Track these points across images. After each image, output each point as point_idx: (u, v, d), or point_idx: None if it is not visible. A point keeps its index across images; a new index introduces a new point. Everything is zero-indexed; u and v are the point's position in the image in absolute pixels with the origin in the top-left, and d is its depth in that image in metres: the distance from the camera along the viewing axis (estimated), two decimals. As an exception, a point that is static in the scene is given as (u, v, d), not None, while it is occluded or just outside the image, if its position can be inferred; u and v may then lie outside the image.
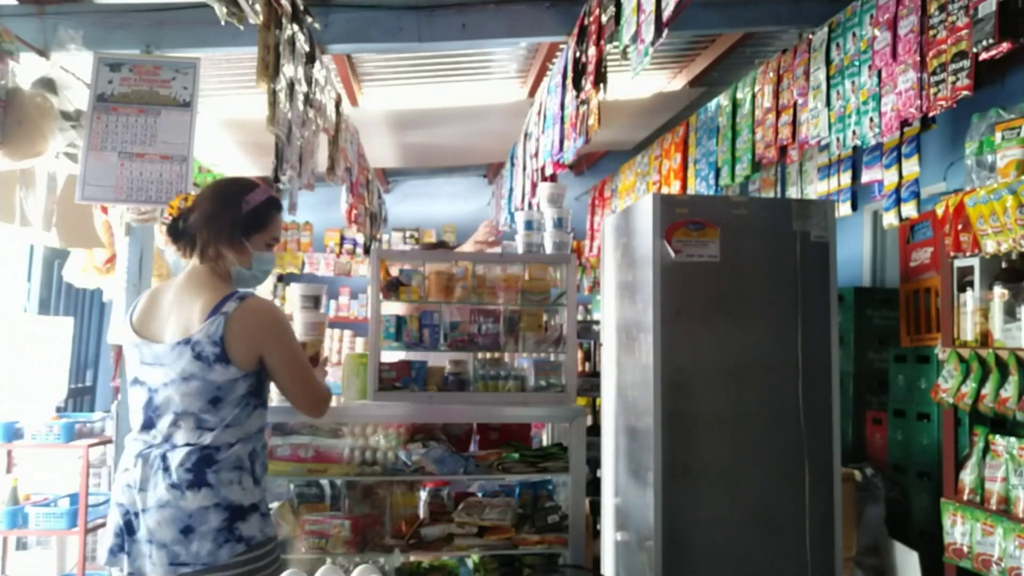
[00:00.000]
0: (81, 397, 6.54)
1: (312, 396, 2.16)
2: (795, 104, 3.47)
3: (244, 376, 1.97)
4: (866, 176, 3.54)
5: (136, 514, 1.91)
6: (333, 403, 2.95)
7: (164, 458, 1.91)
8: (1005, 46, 2.27)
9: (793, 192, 4.48)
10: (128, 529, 1.92)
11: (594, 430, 3.52)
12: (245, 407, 1.98)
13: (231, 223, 2.04)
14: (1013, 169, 2.72)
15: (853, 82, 3.05)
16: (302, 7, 3.11)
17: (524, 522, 2.76)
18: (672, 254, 2.65)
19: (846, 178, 3.94)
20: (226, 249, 2.03)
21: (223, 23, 2.49)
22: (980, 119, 2.95)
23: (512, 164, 6.02)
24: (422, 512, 2.85)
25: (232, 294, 2.01)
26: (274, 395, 2.89)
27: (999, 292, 2.87)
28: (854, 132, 3.04)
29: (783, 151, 3.67)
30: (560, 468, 2.73)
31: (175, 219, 2.07)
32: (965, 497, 2.94)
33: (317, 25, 3.33)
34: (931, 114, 2.66)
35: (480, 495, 2.97)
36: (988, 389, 2.80)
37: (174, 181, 2.74)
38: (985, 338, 2.91)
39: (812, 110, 3.31)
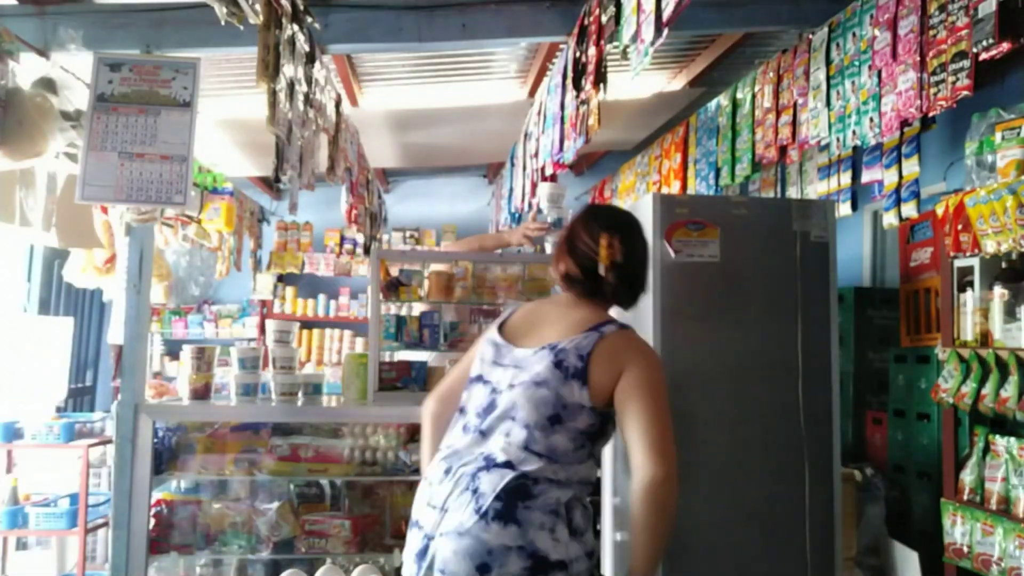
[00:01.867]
0: (81, 397, 6.55)
1: (669, 448, 1.72)
2: (795, 104, 3.47)
3: (591, 410, 1.75)
4: (866, 176, 3.54)
5: (432, 537, 1.69)
6: (333, 403, 2.97)
7: (475, 476, 1.69)
8: (1005, 46, 2.27)
9: (793, 192, 4.47)
10: (426, 553, 1.69)
11: (594, 430, 3.52)
12: (577, 448, 1.75)
13: (646, 261, 1.99)
14: (1013, 169, 2.72)
15: (853, 82, 3.05)
16: (302, 7, 3.11)
17: (524, 522, 2.76)
18: (672, 254, 2.65)
19: (846, 178, 3.94)
20: (637, 288, 1.96)
21: (223, 23, 2.49)
22: (980, 119, 2.95)
23: (512, 164, 6.02)
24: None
25: (610, 321, 1.86)
26: (273, 394, 2.90)
27: (999, 292, 2.87)
28: (854, 132, 3.04)
29: (783, 151, 3.67)
30: (560, 468, 2.73)
31: (614, 263, 1.87)
32: (965, 497, 2.94)
33: (317, 25, 3.33)
34: (931, 114, 2.66)
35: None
36: (988, 389, 2.80)
37: (174, 181, 2.74)
38: (985, 338, 2.91)
39: (812, 110, 3.31)
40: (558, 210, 3.27)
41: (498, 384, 1.81)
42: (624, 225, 1.94)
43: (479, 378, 1.87)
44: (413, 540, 1.74)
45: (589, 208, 2.05)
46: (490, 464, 1.70)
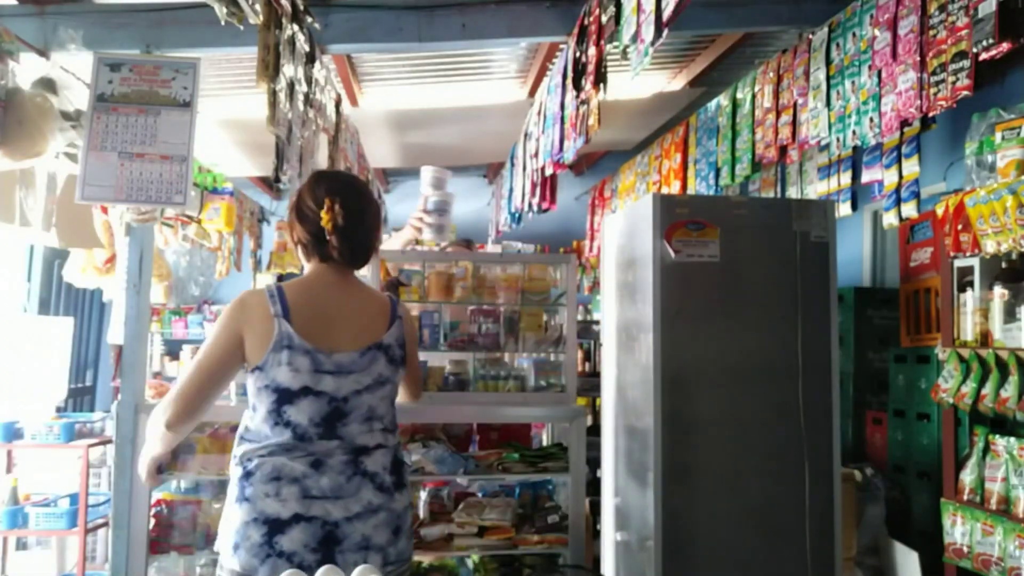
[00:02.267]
0: (81, 397, 6.55)
1: (420, 385, 2.33)
2: (795, 104, 3.47)
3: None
4: (866, 176, 3.54)
5: (337, 523, 1.83)
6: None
7: (358, 463, 1.88)
8: (1005, 46, 2.27)
9: (793, 192, 4.48)
10: (333, 540, 1.82)
11: (594, 430, 3.52)
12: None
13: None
14: (1013, 169, 2.72)
15: (853, 82, 3.05)
16: (302, 7, 3.11)
17: (524, 522, 2.76)
18: (672, 254, 2.65)
19: (846, 178, 3.94)
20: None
21: (223, 23, 2.49)
22: (980, 119, 2.95)
23: (512, 164, 6.02)
24: (422, 512, 2.85)
25: (390, 297, 2.09)
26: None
27: (999, 292, 2.87)
28: (854, 132, 3.04)
29: (783, 151, 3.67)
30: (560, 468, 2.73)
31: (335, 227, 1.93)
32: (965, 497, 2.94)
33: (317, 25, 3.33)
34: (931, 114, 2.66)
35: (480, 495, 2.98)
36: (988, 389, 2.80)
37: (174, 181, 2.74)
38: (985, 338, 2.91)
39: (812, 110, 3.31)
40: (441, 194, 3.25)
41: (337, 392, 1.88)
42: (346, 188, 2.00)
43: (306, 390, 1.85)
44: (305, 533, 1.79)
45: (316, 173, 2.09)
46: (365, 449, 1.89)
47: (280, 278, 7.55)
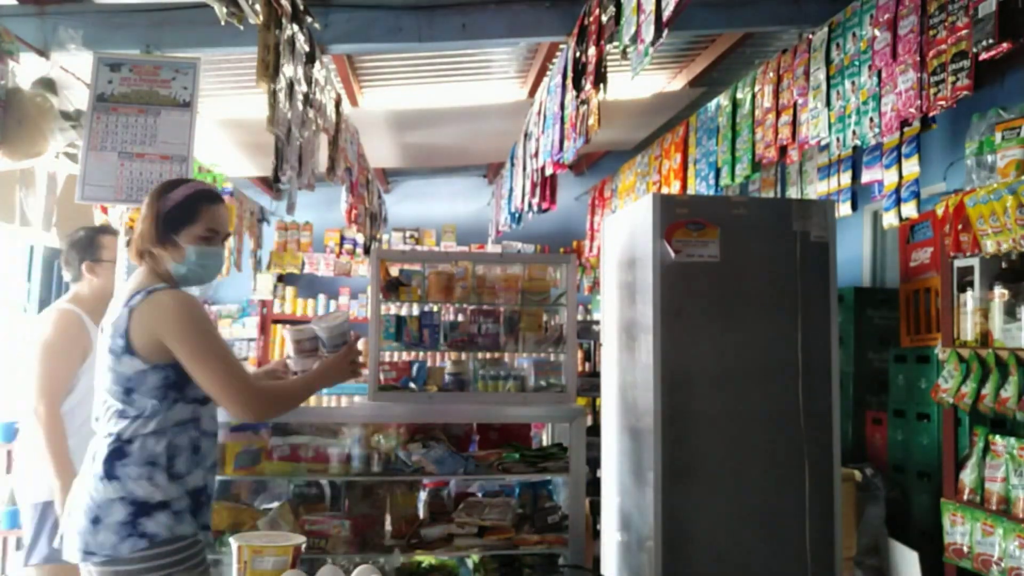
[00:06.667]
0: (81, 397, 6.53)
1: (234, 394, 1.94)
2: (795, 104, 3.47)
3: (154, 368, 1.92)
4: (866, 176, 3.54)
5: (73, 494, 1.99)
6: (332, 403, 2.97)
7: (95, 447, 1.97)
8: (1005, 46, 2.27)
9: (793, 192, 4.48)
10: (69, 506, 2.01)
11: (594, 430, 3.52)
12: (163, 400, 1.93)
13: (153, 221, 2.00)
14: (1013, 169, 2.72)
15: (853, 82, 3.05)
16: (302, 7, 3.11)
17: (524, 522, 2.76)
18: (672, 254, 2.66)
19: (846, 178, 3.94)
20: (155, 248, 2.00)
21: (223, 23, 2.49)
22: (980, 119, 2.95)
23: (512, 164, 6.02)
24: (422, 512, 2.85)
25: (144, 289, 1.96)
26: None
27: (999, 292, 2.87)
28: (854, 132, 3.04)
29: (783, 151, 3.67)
30: (560, 468, 2.73)
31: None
32: (965, 497, 2.94)
33: (317, 25, 3.33)
34: (931, 114, 2.66)
35: (480, 495, 2.97)
36: (988, 389, 2.80)
37: (174, 181, 2.74)
38: (985, 338, 2.91)
39: (812, 110, 3.31)
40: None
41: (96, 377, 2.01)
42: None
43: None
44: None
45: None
46: (104, 435, 1.95)
47: (280, 278, 7.56)
